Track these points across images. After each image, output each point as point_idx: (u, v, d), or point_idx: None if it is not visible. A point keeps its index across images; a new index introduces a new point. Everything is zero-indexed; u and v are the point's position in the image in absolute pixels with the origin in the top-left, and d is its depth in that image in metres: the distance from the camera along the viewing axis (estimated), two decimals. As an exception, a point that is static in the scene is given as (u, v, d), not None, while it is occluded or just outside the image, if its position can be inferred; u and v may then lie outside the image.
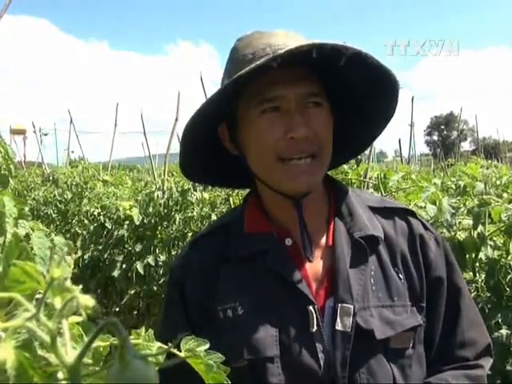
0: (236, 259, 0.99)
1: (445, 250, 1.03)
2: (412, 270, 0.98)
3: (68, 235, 3.93)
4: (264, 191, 1.03)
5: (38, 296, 0.39)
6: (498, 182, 2.71)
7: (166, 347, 0.55)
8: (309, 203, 0.99)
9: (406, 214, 1.05)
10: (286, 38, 0.96)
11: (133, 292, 3.20)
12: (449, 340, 0.99)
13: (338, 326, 0.91)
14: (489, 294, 1.81)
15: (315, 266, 0.98)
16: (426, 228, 1.04)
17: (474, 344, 1.00)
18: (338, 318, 0.91)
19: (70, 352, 0.29)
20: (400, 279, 0.97)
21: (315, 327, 0.91)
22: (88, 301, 0.29)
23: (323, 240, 1.00)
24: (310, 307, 0.92)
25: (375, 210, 1.04)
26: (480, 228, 1.81)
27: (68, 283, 0.30)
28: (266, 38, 0.96)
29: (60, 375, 0.36)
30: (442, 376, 0.97)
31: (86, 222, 3.89)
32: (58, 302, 0.30)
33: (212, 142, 1.04)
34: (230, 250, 1.00)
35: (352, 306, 0.91)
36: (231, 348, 0.88)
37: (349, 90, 1.01)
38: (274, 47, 0.93)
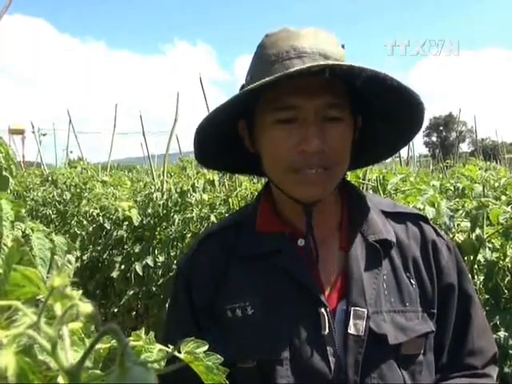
0: (247, 258, 0.97)
1: (456, 256, 1.03)
2: (424, 276, 0.97)
3: (67, 236, 3.93)
4: (277, 193, 1.02)
5: (39, 296, 0.39)
6: (497, 184, 2.72)
7: (166, 349, 0.56)
8: (321, 207, 0.98)
9: (418, 219, 1.04)
10: (315, 40, 0.93)
11: (131, 293, 3.20)
12: (458, 347, 0.99)
13: (351, 330, 0.89)
14: (487, 296, 1.81)
15: (328, 268, 0.96)
16: (438, 234, 1.03)
17: (483, 352, 1.00)
18: (351, 322, 0.90)
19: (70, 358, 0.29)
20: (412, 285, 0.96)
21: (327, 330, 0.90)
22: (88, 308, 0.29)
23: (336, 242, 0.99)
24: (322, 310, 0.90)
25: (387, 214, 1.03)
26: (478, 230, 1.82)
27: (68, 290, 0.30)
28: (292, 39, 0.93)
29: (60, 379, 0.36)
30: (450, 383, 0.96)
31: (84, 222, 3.89)
32: (58, 309, 0.31)
33: (232, 135, 1.02)
34: (241, 249, 0.99)
35: (365, 310, 0.90)
36: (240, 348, 0.88)
37: (373, 99, 0.98)
38: (299, 50, 0.90)
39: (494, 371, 1.00)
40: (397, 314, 0.92)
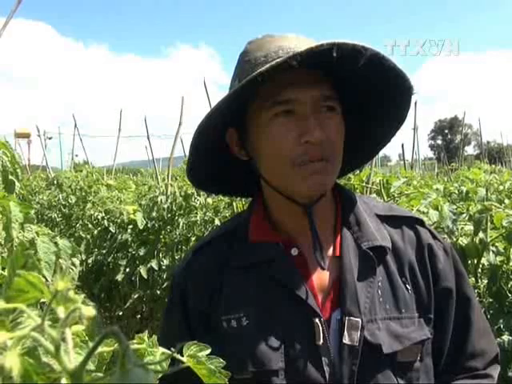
0: (240, 268, 0.97)
1: (454, 259, 1.01)
2: (420, 281, 0.96)
3: (72, 239, 3.94)
4: (272, 198, 1.00)
5: (42, 300, 0.40)
6: (501, 188, 2.71)
7: (168, 352, 0.56)
8: (317, 211, 0.97)
9: (414, 222, 1.02)
10: (298, 42, 0.93)
11: (136, 296, 3.21)
12: (459, 351, 0.98)
13: (346, 340, 0.88)
14: (491, 300, 1.81)
15: (322, 277, 0.95)
16: (434, 237, 1.01)
17: (484, 354, 0.99)
18: (346, 332, 0.89)
19: (73, 360, 0.30)
20: (407, 290, 0.94)
21: (321, 340, 0.89)
22: (90, 311, 0.30)
23: (330, 250, 0.97)
24: (316, 320, 0.89)
25: (383, 218, 1.01)
26: (482, 234, 1.81)
27: (71, 293, 0.31)
28: (278, 41, 0.94)
29: (63, 381, 0.37)
30: None
31: (89, 226, 3.90)
32: (61, 312, 0.32)
33: (219, 149, 1.01)
34: (234, 259, 0.98)
35: (359, 320, 0.89)
36: (235, 359, 0.86)
37: (360, 94, 0.99)
38: (287, 49, 0.90)
39: (495, 371, 1.00)
40: (392, 322, 0.91)
